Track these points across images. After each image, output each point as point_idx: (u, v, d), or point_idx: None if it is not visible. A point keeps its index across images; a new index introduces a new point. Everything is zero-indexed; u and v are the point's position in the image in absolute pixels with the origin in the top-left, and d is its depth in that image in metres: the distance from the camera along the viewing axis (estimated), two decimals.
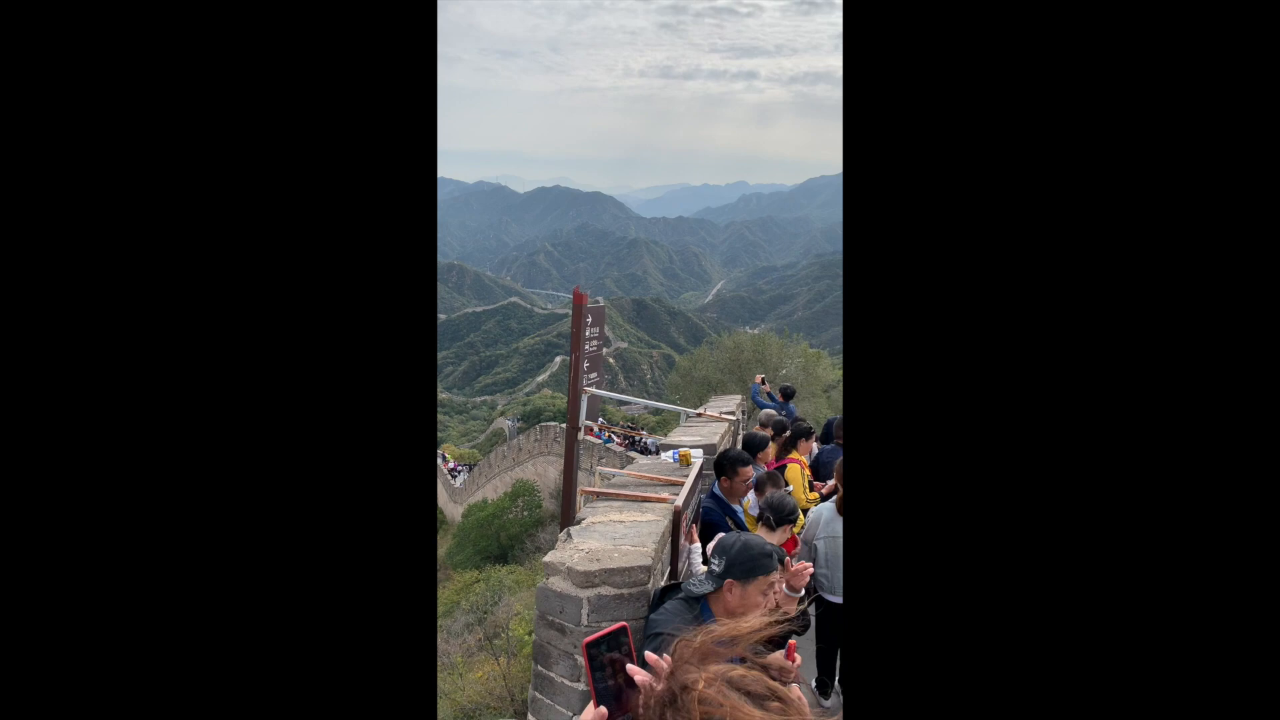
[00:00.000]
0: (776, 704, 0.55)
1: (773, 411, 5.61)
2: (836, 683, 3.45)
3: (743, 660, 0.61)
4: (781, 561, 2.25)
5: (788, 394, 6.55)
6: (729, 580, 1.68)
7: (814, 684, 3.50)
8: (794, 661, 1.60)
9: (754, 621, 0.66)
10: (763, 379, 7.11)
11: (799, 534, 3.30)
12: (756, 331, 21.03)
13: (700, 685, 0.55)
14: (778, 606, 1.80)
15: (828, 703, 3.44)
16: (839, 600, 3.24)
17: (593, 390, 4.90)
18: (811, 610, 3.35)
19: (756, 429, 4.95)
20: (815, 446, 4.96)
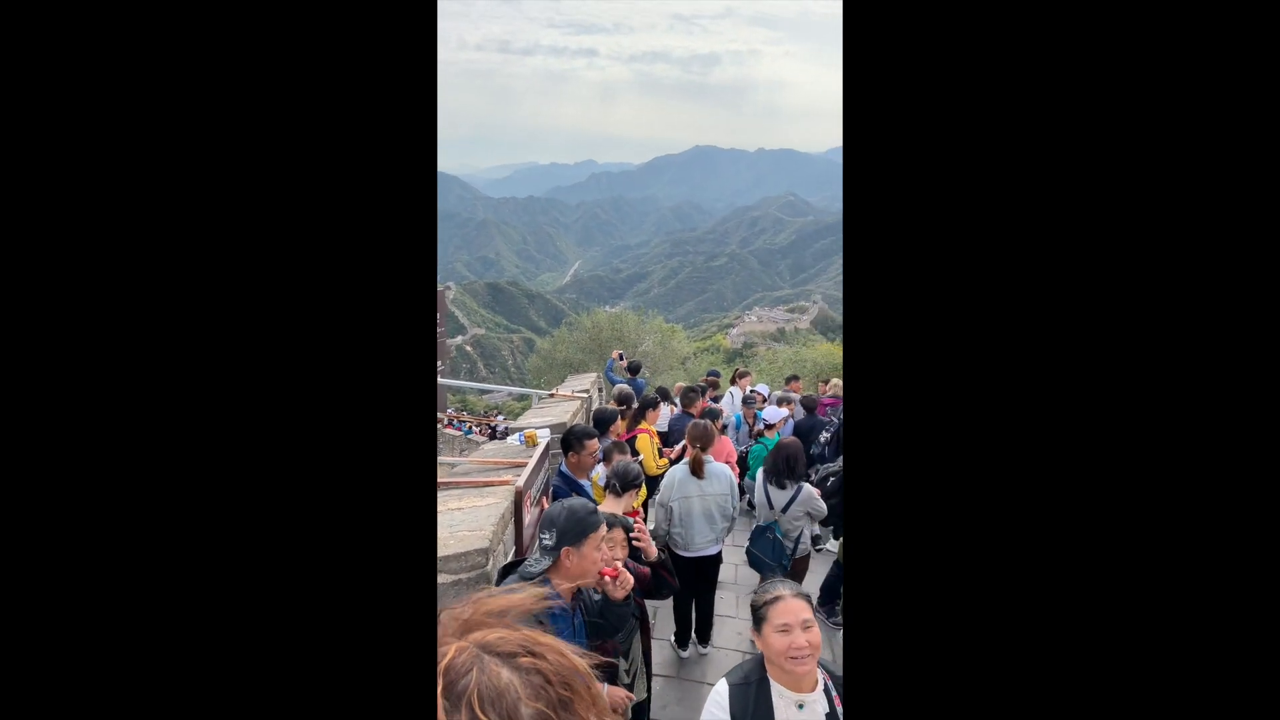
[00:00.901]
0: (528, 659, 0.55)
1: (624, 386, 5.77)
2: (694, 633, 3.68)
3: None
4: (627, 528, 2.35)
5: (634, 369, 6.77)
6: (565, 549, 1.73)
7: (672, 637, 3.70)
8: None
9: (525, 596, 0.65)
10: (620, 355, 7.26)
11: (641, 503, 3.43)
12: (615, 310, 21.36)
13: (450, 655, 0.55)
14: (619, 559, 1.87)
15: (685, 653, 3.66)
16: (691, 555, 3.45)
17: (439, 380, 4.71)
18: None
19: (611, 404, 5.06)
20: (668, 411, 5.18)
